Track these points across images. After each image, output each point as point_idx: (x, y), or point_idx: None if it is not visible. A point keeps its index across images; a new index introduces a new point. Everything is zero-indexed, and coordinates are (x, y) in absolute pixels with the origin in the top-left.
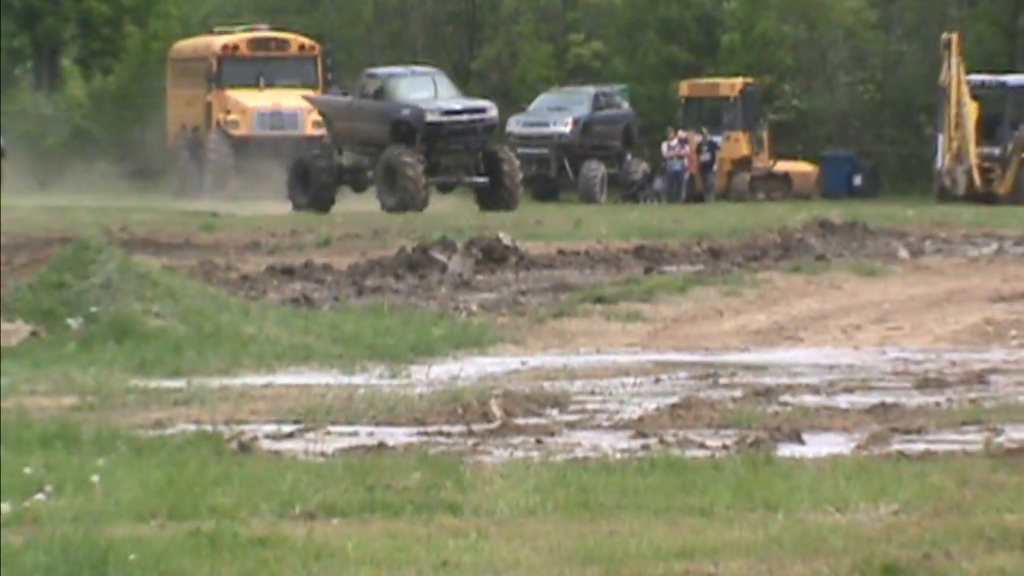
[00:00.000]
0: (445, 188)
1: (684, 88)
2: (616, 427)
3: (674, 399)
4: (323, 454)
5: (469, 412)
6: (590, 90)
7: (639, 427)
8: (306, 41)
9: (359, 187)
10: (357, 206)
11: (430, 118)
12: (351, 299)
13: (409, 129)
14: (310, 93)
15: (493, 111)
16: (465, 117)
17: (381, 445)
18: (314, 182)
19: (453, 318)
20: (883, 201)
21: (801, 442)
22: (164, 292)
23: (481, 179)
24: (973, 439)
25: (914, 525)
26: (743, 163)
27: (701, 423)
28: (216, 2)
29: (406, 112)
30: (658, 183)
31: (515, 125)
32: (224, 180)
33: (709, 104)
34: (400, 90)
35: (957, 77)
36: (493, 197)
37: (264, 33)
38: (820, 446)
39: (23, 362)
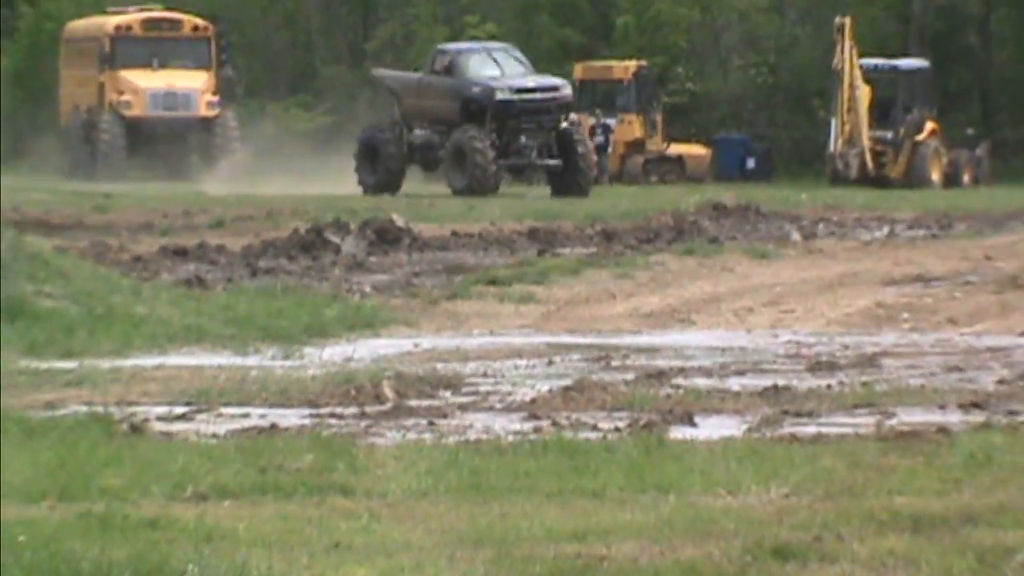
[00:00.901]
0: (516, 171)
1: (578, 71)
2: (509, 409)
3: (567, 381)
4: (215, 436)
5: (362, 394)
6: None
7: (532, 409)
8: (199, 21)
9: (430, 167)
10: (428, 188)
11: (500, 96)
12: (244, 280)
13: (479, 107)
14: (382, 69)
15: (567, 89)
16: (538, 95)
17: (273, 427)
18: (382, 161)
19: (346, 300)
20: (776, 184)
21: (693, 425)
22: (56, 273)
23: (554, 161)
24: (864, 422)
25: (805, 508)
26: (636, 146)
27: (594, 405)
28: None
29: (476, 90)
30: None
31: None
32: (117, 161)
33: (603, 87)
34: (471, 66)
35: (850, 61)
36: (566, 181)
37: (157, 13)
38: (712, 429)
39: None
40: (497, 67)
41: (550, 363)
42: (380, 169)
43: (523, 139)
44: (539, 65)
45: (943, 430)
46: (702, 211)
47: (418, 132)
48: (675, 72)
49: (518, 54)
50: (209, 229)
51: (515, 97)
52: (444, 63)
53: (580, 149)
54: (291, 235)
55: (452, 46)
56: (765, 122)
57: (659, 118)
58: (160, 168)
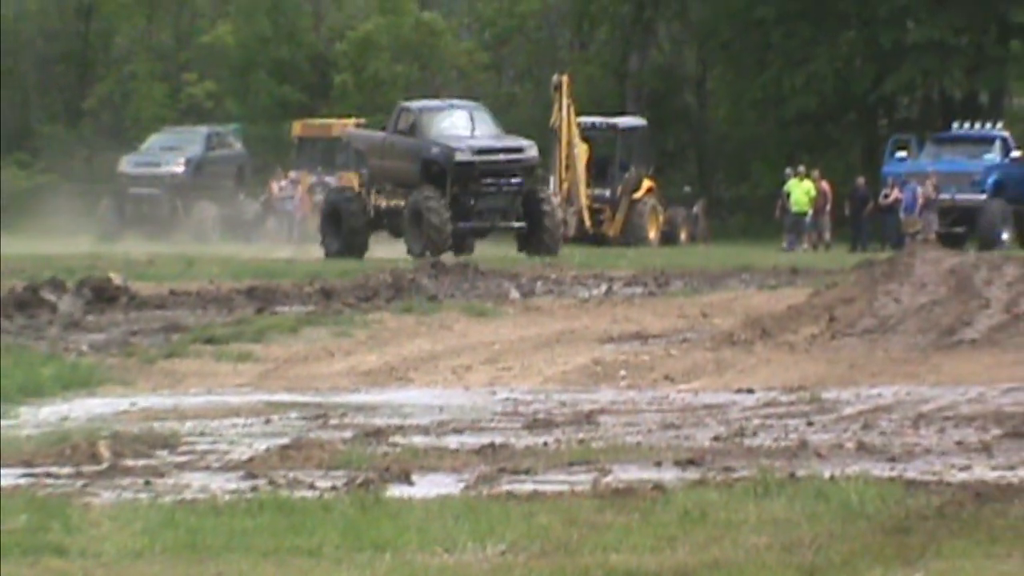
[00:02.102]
0: (479, 233)
1: (297, 128)
2: (226, 468)
3: (284, 440)
4: None
5: (77, 453)
6: (203, 130)
7: (249, 468)
8: None
9: (396, 231)
10: (395, 251)
11: (460, 157)
12: None
13: (440, 169)
14: (351, 130)
15: (532, 150)
16: (501, 156)
17: None
18: (345, 226)
19: (62, 359)
20: (494, 241)
21: (410, 483)
22: None
23: (518, 224)
24: (581, 479)
25: (521, 565)
26: None
27: (311, 464)
28: None
29: (436, 150)
30: (271, 224)
31: (127, 165)
32: None
33: (322, 144)
34: (433, 126)
35: (568, 119)
36: (532, 242)
37: None
38: (429, 487)
39: None
40: (460, 127)
41: (268, 421)
42: (344, 234)
43: (485, 201)
44: (258, 122)
45: (659, 487)
46: (421, 269)
47: (386, 196)
48: None
49: (484, 113)
50: None
51: (475, 158)
52: (407, 122)
53: (546, 208)
54: (7, 294)
55: (416, 104)
56: None
57: None
58: None
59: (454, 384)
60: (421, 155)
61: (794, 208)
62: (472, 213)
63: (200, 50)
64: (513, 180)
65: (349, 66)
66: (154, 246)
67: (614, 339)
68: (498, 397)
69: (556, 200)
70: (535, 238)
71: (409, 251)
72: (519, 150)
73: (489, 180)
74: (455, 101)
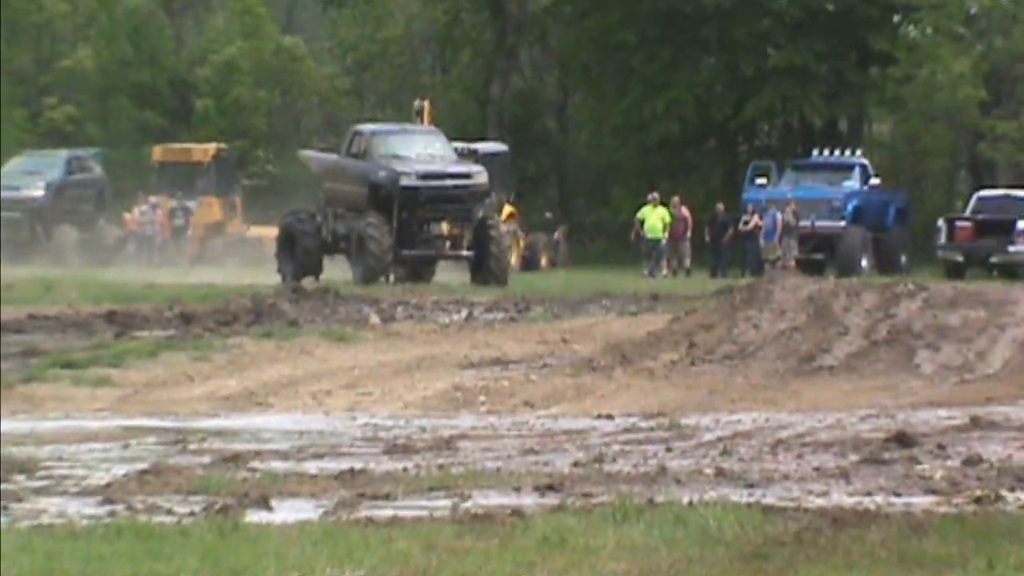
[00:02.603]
0: (424, 261)
1: (157, 152)
2: (84, 493)
3: (143, 465)
4: None
5: None
6: (63, 154)
7: (107, 493)
8: None
9: (351, 255)
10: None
11: (405, 182)
12: None
13: (387, 193)
14: (307, 150)
15: (481, 176)
16: (448, 182)
17: None
18: (299, 248)
19: None
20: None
21: (269, 508)
22: None
23: (466, 253)
24: (440, 504)
25: None
26: (216, 228)
27: (169, 489)
28: None
29: (383, 175)
30: (131, 248)
31: None
32: None
33: (183, 169)
34: (383, 149)
35: None
36: (482, 271)
37: None
38: (288, 512)
39: None
40: (411, 150)
41: (126, 446)
42: (298, 257)
43: (432, 228)
44: (118, 147)
45: (518, 513)
46: (281, 294)
47: (340, 219)
48: (255, 155)
49: (440, 138)
50: None
51: (421, 183)
52: (360, 146)
53: (493, 235)
54: None
55: (368, 127)
56: None
57: (238, 200)
58: None
59: (314, 409)
60: (368, 179)
61: (649, 235)
62: (418, 240)
63: (60, 73)
64: (461, 206)
65: (211, 91)
66: (13, 270)
67: (474, 364)
68: (358, 422)
69: (504, 229)
70: (483, 267)
71: (352, 276)
72: (467, 176)
73: (435, 207)
74: (408, 125)
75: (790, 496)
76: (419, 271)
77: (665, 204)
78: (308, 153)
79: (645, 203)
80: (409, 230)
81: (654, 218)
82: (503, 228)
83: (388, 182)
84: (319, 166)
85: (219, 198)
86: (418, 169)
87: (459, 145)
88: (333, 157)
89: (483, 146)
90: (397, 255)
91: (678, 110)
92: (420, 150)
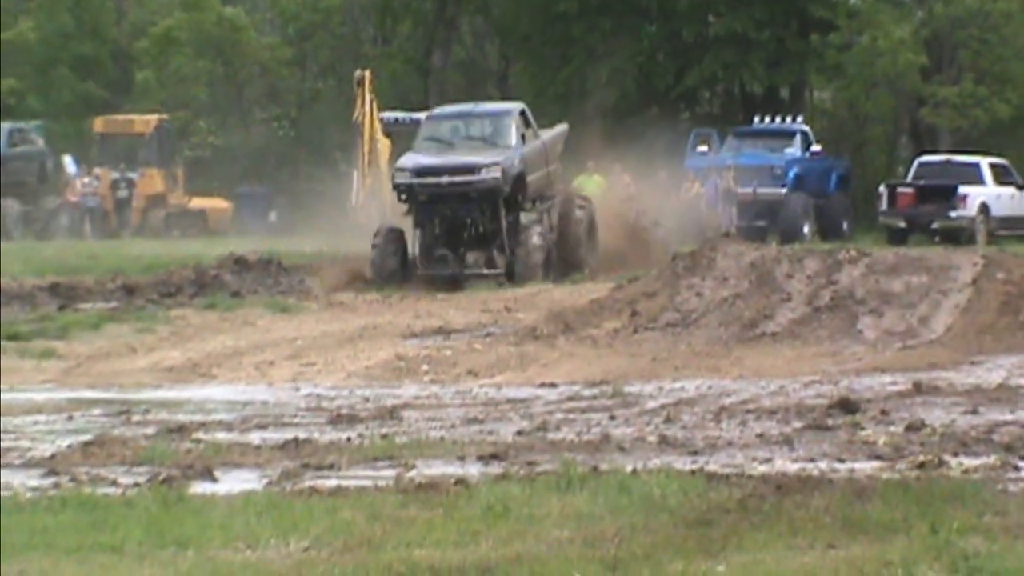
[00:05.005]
0: (453, 279)
1: (99, 124)
2: (28, 465)
3: (87, 436)
4: None
5: None
6: (5, 127)
7: (51, 465)
8: None
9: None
10: None
11: (399, 179)
12: None
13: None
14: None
15: (493, 171)
16: (443, 179)
17: None
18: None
19: None
20: (300, 236)
21: (213, 479)
22: None
23: (493, 271)
24: (384, 474)
25: (324, 561)
26: (158, 199)
27: (114, 460)
28: None
29: (399, 174)
30: (65, 220)
31: None
32: None
33: (124, 140)
34: (421, 139)
35: (370, 114)
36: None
37: None
38: (232, 483)
39: None
40: (449, 140)
41: (70, 418)
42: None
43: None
44: (60, 119)
45: (462, 481)
46: (224, 265)
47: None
48: (197, 126)
49: (502, 121)
50: None
51: (415, 181)
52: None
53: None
54: None
55: (436, 111)
56: (288, 176)
57: (180, 172)
58: None
59: (257, 380)
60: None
61: None
62: (434, 251)
63: (1, 46)
64: (464, 208)
65: (151, 62)
66: None
67: (417, 334)
68: (302, 393)
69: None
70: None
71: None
72: (470, 170)
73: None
74: (476, 106)
75: (734, 463)
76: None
77: (603, 174)
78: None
79: (583, 172)
80: (428, 238)
81: (591, 186)
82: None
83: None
84: None
85: (160, 169)
86: (417, 163)
87: (401, 115)
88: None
89: (425, 115)
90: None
91: (619, 79)
92: (458, 139)
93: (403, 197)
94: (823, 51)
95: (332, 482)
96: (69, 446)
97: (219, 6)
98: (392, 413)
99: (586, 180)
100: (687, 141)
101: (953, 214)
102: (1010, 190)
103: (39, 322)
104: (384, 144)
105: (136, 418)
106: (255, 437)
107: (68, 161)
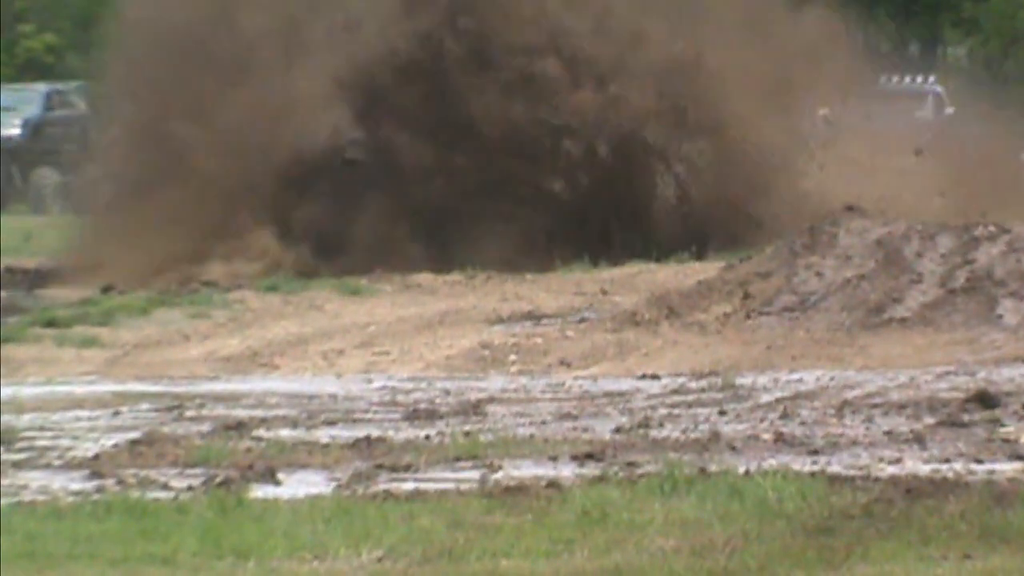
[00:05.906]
0: None
1: None
2: (69, 466)
3: (135, 434)
4: None
5: None
6: (42, 88)
7: (95, 466)
8: None
9: None
10: None
11: None
12: None
13: None
14: None
15: None
16: None
17: None
18: None
19: None
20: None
21: (276, 482)
22: None
23: None
24: (467, 476)
25: (400, 573)
26: None
27: (164, 461)
28: None
29: None
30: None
31: None
32: None
33: None
34: None
35: None
36: None
37: None
38: (297, 486)
39: None
40: None
41: (116, 414)
42: None
43: None
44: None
45: (554, 484)
46: None
47: None
48: None
49: None
50: None
51: None
52: None
53: None
54: None
55: None
56: None
57: None
58: None
59: (325, 370)
60: None
61: None
62: None
63: None
64: None
65: None
66: None
67: (504, 320)
68: (374, 385)
69: None
70: None
71: None
72: None
73: None
74: None
75: (858, 464)
76: None
77: None
78: None
79: None
80: None
81: None
82: None
83: None
84: None
85: None
86: None
87: None
88: None
89: None
90: None
91: None
92: None
93: None
94: (958, 2)
95: (409, 485)
96: (115, 445)
97: None
98: (476, 408)
99: None
100: None
101: None
102: None
103: (80, 306)
104: None
105: (189, 414)
106: (322, 435)
107: None
